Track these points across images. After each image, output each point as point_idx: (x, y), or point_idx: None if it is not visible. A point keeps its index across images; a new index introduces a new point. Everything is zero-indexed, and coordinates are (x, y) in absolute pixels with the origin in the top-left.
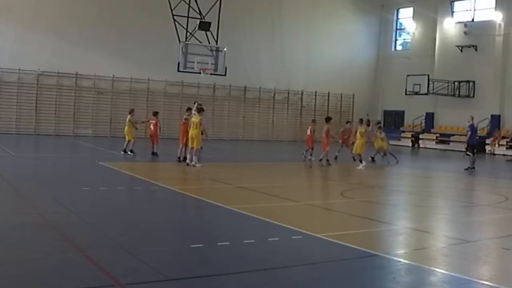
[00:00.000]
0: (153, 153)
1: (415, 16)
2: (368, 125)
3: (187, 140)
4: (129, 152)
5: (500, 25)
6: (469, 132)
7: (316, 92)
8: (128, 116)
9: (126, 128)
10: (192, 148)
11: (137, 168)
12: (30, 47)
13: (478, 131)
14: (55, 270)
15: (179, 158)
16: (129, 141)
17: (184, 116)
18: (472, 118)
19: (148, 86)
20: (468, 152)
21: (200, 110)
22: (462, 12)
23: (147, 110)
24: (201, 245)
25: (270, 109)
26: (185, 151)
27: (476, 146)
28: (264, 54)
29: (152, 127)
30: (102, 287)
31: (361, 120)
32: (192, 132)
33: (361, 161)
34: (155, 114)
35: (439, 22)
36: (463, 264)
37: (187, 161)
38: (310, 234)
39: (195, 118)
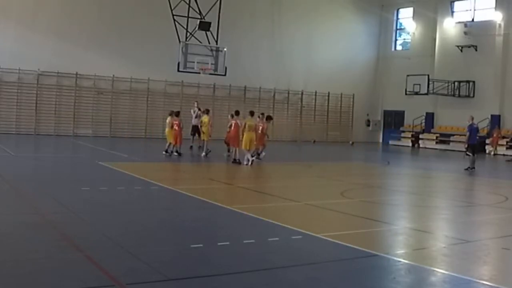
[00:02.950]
0: (178, 153)
1: (415, 16)
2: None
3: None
4: (169, 153)
5: (500, 25)
6: (468, 133)
7: (316, 92)
8: (168, 118)
9: (166, 129)
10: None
11: (137, 168)
12: (30, 47)
13: (479, 131)
14: (55, 270)
15: (234, 159)
16: (170, 143)
17: (234, 121)
18: (472, 118)
19: (148, 86)
20: (468, 152)
21: (252, 113)
22: (462, 12)
23: (147, 110)
24: (201, 245)
25: (270, 109)
26: (234, 152)
27: (476, 146)
28: (264, 54)
29: (176, 127)
30: (102, 287)
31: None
32: (250, 135)
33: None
34: (177, 114)
35: (439, 22)
36: (463, 264)
37: (244, 161)
38: (310, 234)
39: (251, 122)
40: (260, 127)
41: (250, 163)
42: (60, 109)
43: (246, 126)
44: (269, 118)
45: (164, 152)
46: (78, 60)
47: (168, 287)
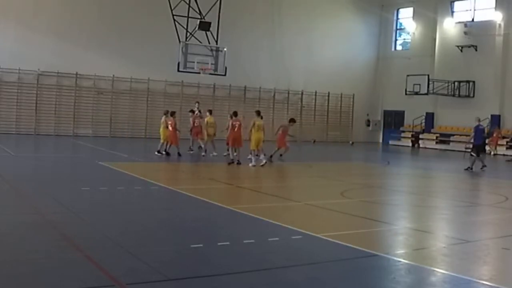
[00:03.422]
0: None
1: (415, 16)
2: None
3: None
4: (163, 152)
5: (500, 25)
6: (472, 133)
7: (316, 92)
8: (163, 117)
9: (161, 129)
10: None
11: (137, 168)
12: (30, 47)
13: (485, 132)
14: (55, 270)
15: (233, 160)
16: (164, 142)
17: (239, 122)
18: (479, 120)
19: (148, 86)
20: (472, 153)
21: (258, 113)
22: (462, 12)
23: (147, 110)
24: (201, 245)
25: (270, 109)
26: (231, 152)
27: (480, 147)
28: (264, 54)
29: (170, 128)
30: (102, 287)
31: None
32: (260, 135)
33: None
34: (172, 114)
35: (439, 22)
36: (463, 264)
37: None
38: (310, 234)
39: (260, 122)
40: (282, 129)
41: (263, 163)
42: (60, 109)
43: (255, 125)
44: (292, 121)
45: (163, 152)
46: (78, 60)
47: (168, 287)
